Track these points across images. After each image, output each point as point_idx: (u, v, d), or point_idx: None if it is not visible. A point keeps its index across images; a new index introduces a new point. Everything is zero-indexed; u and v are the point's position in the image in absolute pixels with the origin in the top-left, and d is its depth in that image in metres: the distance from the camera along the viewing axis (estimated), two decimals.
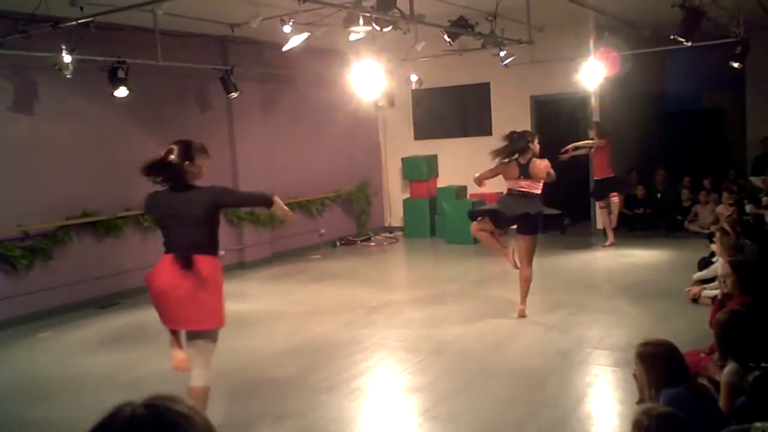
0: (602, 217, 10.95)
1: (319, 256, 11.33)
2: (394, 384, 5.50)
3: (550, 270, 9.01)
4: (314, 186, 11.92)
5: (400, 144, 13.31)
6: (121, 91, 7.96)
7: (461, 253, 11.02)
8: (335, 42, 9.45)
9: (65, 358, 6.67)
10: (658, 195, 12.02)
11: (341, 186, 12.48)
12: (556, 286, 8.25)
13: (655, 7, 8.17)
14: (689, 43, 7.47)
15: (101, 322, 7.72)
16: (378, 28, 6.75)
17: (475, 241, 11.51)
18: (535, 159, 6.78)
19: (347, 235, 12.57)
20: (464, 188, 12.49)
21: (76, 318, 7.99)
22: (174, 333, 4.45)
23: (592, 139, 10.55)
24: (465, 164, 12.55)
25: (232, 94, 9.61)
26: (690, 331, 6.01)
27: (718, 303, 4.94)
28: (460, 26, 8.17)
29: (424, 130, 13.20)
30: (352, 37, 7.64)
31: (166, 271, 4.13)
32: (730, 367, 3.52)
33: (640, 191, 11.91)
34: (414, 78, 11.26)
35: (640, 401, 3.26)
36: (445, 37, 8.13)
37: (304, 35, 8.09)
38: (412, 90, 12.24)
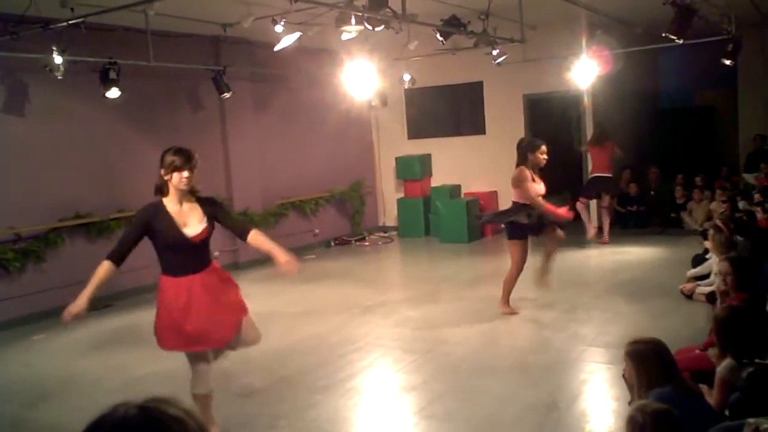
0: (582, 212, 10.75)
1: (313, 256, 11.31)
2: (389, 383, 5.50)
3: None
4: (308, 186, 11.90)
5: (394, 143, 13.30)
6: (113, 92, 7.91)
7: (455, 252, 11.03)
8: (327, 41, 9.43)
9: (59, 360, 6.65)
10: (651, 192, 12.06)
11: (335, 186, 12.46)
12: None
13: (647, 5, 8.18)
14: (681, 41, 7.50)
15: (95, 324, 7.68)
16: (370, 28, 6.74)
17: (469, 240, 11.67)
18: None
19: (341, 235, 12.55)
20: (458, 187, 12.51)
21: None
22: None
23: (589, 140, 10.77)
24: (459, 163, 12.61)
25: (225, 94, 9.57)
26: (685, 328, 6.04)
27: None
28: (452, 25, 8.18)
29: (417, 129, 13.19)
30: (345, 36, 7.63)
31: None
32: (725, 362, 3.53)
33: (633, 189, 11.93)
34: (407, 77, 11.27)
35: (632, 402, 3.27)
36: (438, 36, 8.13)
37: (296, 35, 8.08)
38: (405, 89, 12.26)
